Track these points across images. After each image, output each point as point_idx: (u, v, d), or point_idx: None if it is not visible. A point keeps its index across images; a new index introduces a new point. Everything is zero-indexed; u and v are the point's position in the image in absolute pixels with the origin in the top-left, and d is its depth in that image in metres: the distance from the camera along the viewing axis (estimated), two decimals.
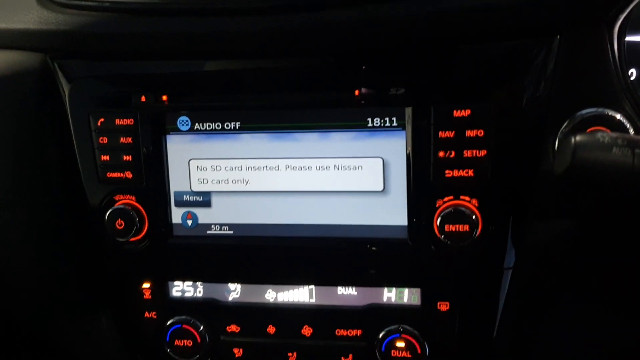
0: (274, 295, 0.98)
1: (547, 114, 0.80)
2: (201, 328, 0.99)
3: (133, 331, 1.03)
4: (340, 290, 0.96)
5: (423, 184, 0.85)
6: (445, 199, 0.85)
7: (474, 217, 0.83)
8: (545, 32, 0.80)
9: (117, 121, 0.91)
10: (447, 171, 0.84)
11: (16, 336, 1.18)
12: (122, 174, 0.92)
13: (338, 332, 0.96)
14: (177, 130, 0.91)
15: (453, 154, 0.83)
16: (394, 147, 0.86)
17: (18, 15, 0.90)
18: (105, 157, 0.92)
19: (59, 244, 0.99)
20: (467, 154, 0.83)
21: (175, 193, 0.94)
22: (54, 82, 0.93)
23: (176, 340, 0.99)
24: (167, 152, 0.92)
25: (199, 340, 0.99)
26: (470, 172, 0.83)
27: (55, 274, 1.01)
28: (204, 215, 0.94)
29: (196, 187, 0.93)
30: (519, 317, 0.91)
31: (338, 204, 0.90)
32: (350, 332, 0.96)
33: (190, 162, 0.92)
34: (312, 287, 0.96)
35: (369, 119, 0.86)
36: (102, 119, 0.91)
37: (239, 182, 0.91)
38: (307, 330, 0.97)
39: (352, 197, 0.89)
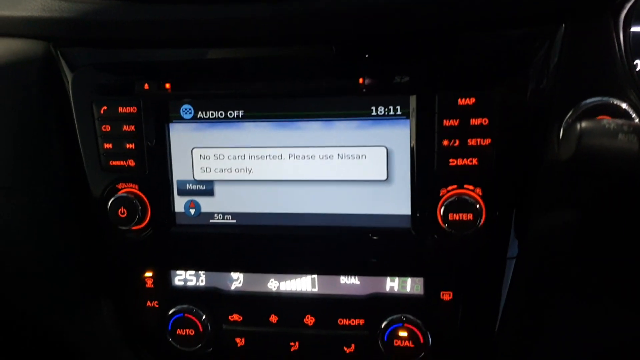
0: (276, 284, 0.98)
1: (552, 103, 0.80)
2: (203, 317, 0.98)
3: (135, 321, 1.03)
4: (343, 279, 0.96)
5: (427, 172, 0.85)
6: (449, 187, 0.84)
7: (477, 206, 0.83)
8: (550, 21, 0.80)
9: (120, 109, 0.91)
10: (451, 160, 0.83)
11: (17, 325, 1.18)
12: (124, 162, 0.92)
13: (340, 322, 0.96)
14: (180, 119, 0.91)
15: (457, 142, 0.83)
16: (398, 136, 0.86)
17: (22, 2, 0.90)
18: (108, 145, 0.92)
19: (61, 232, 0.99)
20: (472, 142, 0.82)
21: (178, 182, 0.93)
22: (57, 70, 0.93)
23: (178, 330, 0.99)
24: (170, 140, 0.92)
25: (201, 330, 0.99)
26: (475, 161, 0.83)
27: (57, 263, 1.01)
28: (206, 204, 0.94)
29: (199, 176, 0.92)
30: (522, 307, 0.91)
31: (341, 193, 0.89)
32: (352, 322, 0.95)
33: (193, 150, 0.92)
34: (315, 276, 0.96)
35: (373, 108, 0.86)
36: (105, 107, 0.91)
37: (242, 170, 0.91)
38: (309, 320, 0.97)
39: (356, 186, 0.89)
